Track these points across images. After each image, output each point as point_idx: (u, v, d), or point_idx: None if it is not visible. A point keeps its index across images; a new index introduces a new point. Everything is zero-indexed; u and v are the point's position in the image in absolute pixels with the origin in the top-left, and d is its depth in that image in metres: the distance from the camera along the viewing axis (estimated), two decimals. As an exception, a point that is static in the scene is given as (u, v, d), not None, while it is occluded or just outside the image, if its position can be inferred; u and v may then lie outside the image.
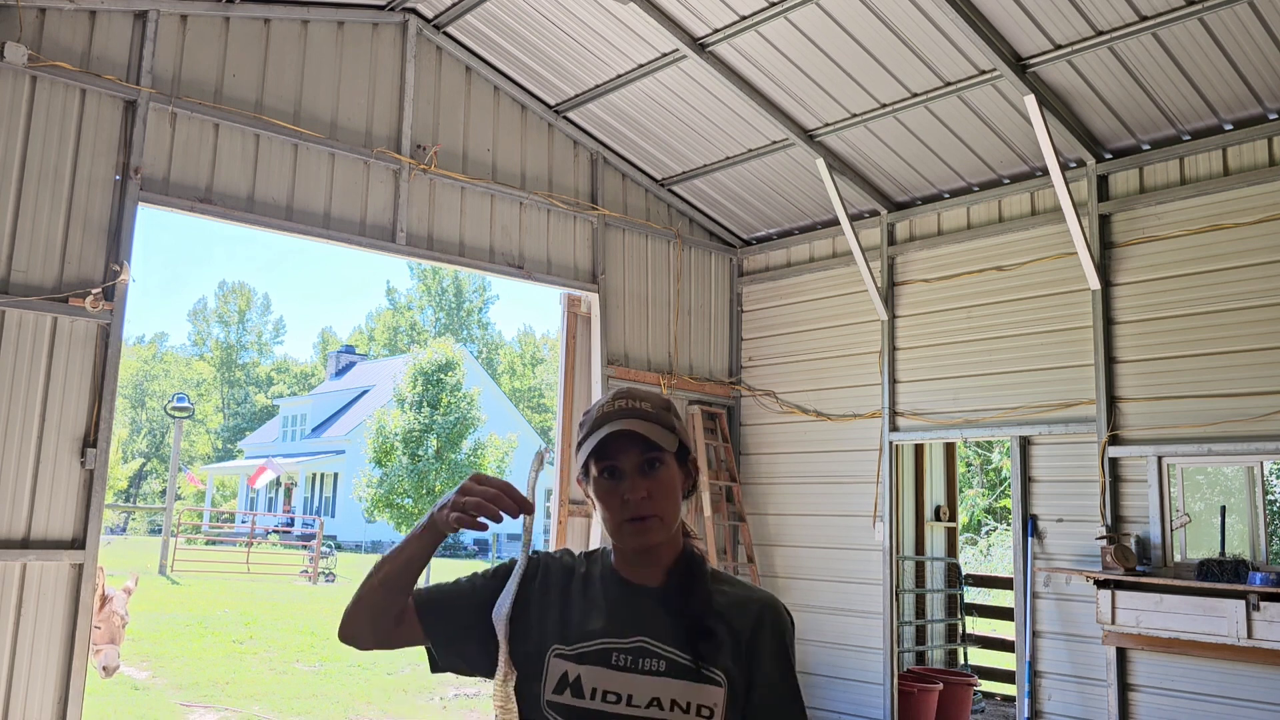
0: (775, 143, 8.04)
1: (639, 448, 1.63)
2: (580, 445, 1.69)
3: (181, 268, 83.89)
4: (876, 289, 8.23)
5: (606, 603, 1.67)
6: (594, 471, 1.67)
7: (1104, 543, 6.63)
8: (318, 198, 6.95)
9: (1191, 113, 6.55)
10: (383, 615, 1.64)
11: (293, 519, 37.68)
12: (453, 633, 1.69)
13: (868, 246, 8.44)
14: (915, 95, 7.07)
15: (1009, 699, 9.62)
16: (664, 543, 1.68)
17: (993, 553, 20.98)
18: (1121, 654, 6.62)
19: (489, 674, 1.65)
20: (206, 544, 31.33)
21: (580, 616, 1.66)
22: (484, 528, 1.57)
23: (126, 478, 52.21)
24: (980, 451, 22.50)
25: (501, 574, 1.73)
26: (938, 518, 10.16)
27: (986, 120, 7.14)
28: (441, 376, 25.35)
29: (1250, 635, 5.89)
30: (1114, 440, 6.81)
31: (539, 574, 1.73)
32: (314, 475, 41.34)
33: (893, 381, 8.23)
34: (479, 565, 28.88)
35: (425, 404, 24.93)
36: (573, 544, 8.24)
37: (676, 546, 1.71)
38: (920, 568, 9.89)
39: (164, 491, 43.12)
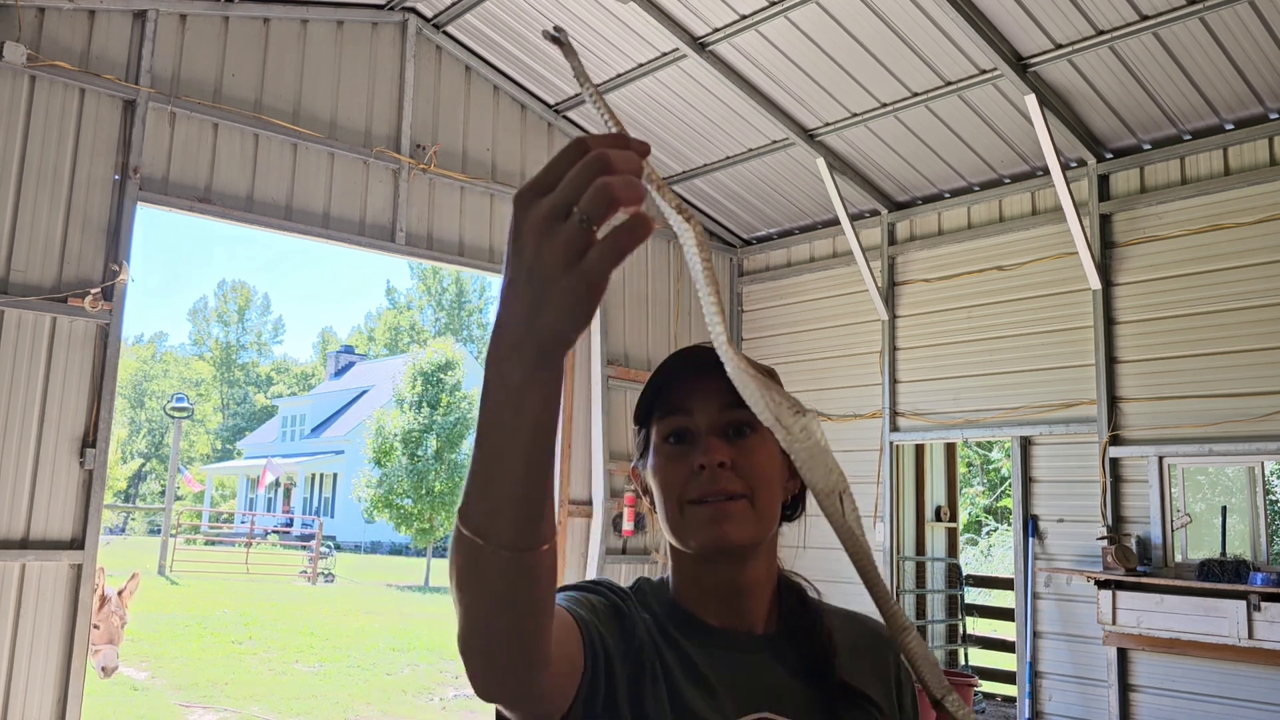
0: (775, 142, 8.03)
1: (722, 400, 1.12)
2: (638, 405, 1.19)
3: (181, 267, 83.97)
4: (877, 289, 8.22)
5: (697, 666, 1.09)
6: (655, 438, 1.16)
7: (1105, 543, 6.62)
8: (317, 197, 6.94)
9: (1192, 112, 6.54)
10: (524, 613, 0.77)
11: (291, 519, 37.67)
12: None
13: (868, 246, 8.43)
14: (916, 95, 7.06)
15: (1010, 700, 9.61)
16: (758, 557, 1.15)
17: (993, 553, 20.98)
18: (1122, 654, 6.61)
19: None
20: (206, 544, 31.32)
21: (668, 693, 1.06)
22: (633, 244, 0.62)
23: (126, 478, 52.20)
24: (980, 451, 22.50)
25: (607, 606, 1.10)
26: (938, 518, 10.15)
27: (987, 120, 7.13)
28: (441, 376, 25.35)
29: (1251, 636, 5.88)
30: (1115, 440, 6.80)
31: (634, 626, 1.10)
32: (313, 475, 41.34)
33: (893, 382, 8.22)
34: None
35: (425, 404, 24.93)
36: (572, 549, 8.23)
37: (773, 572, 1.21)
38: (921, 568, 9.87)
39: (163, 492, 43.12)
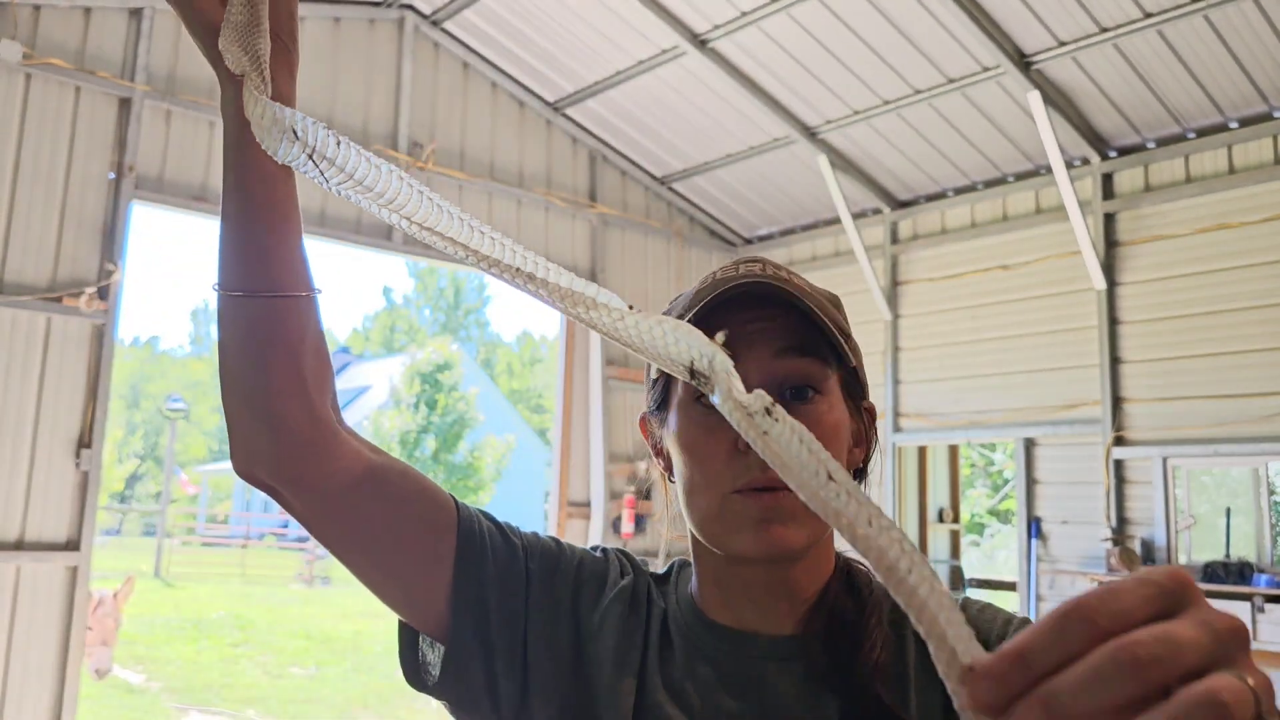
0: (777, 140, 7.98)
1: (780, 341, 0.85)
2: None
3: (177, 267, 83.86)
4: (879, 288, 8.17)
5: (707, 670, 0.88)
6: (680, 391, 0.88)
7: (1109, 545, 6.58)
8: (313, 196, 6.88)
9: (1197, 110, 6.50)
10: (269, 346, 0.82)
11: (287, 521, 37.59)
12: (496, 591, 0.91)
13: (870, 245, 8.37)
14: (919, 92, 7.01)
15: (1011, 701, 9.57)
16: (813, 555, 0.88)
17: (996, 555, 20.96)
18: (1127, 657, 6.56)
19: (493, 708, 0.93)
20: (201, 546, 31.25)
21: (675, 681, 0.87)
22: None
23: (123, 479, 52.11)
24: (983, 452, 22.47)
25: (591, 570, 0.94)
26: (941, 520, 10.11)
27: (991, 117, 7.08)
28: (439, 377, 25.30)
29: (1255, 638, 5.84)
30: (1119, 441, 6.75)
31: (629, 589, 0.93)
32: (311, 476, 41.18)
33: (895, 382, 8.17)
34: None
35: (422, 404, 24.87)
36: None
37: (828, 567, 0.90)
38: (921, 569, 9.83)
39: (159, 493, 43.04)
